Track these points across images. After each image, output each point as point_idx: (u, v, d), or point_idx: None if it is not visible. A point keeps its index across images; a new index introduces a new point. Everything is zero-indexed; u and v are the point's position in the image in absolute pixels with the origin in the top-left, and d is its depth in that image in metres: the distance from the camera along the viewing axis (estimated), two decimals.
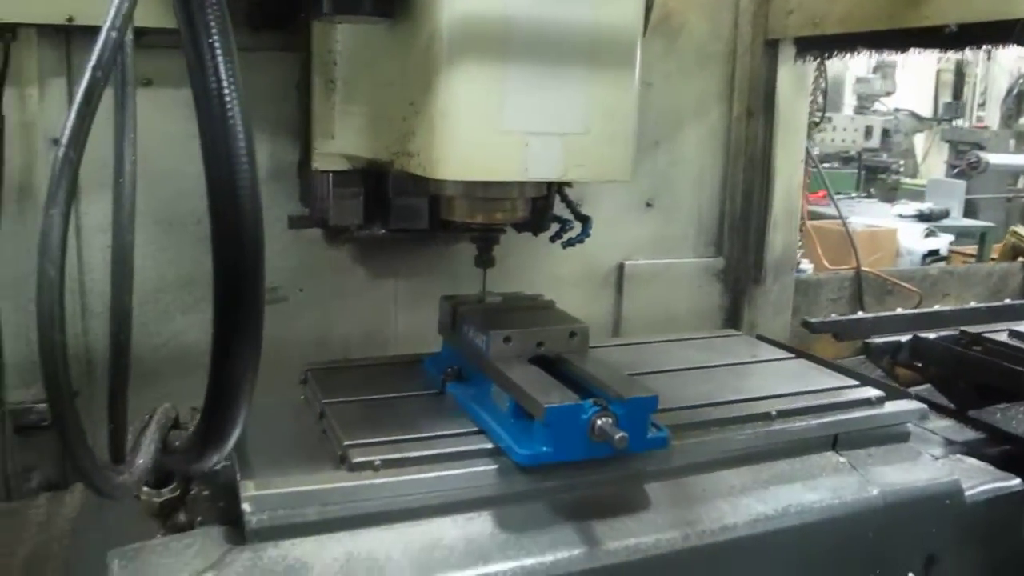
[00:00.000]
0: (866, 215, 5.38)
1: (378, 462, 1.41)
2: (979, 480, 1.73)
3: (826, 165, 7.43)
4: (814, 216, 3.97)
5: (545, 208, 1.99)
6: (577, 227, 2.08)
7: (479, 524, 1.42)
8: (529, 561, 1.37)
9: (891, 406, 1.82)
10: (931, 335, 2.32)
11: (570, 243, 2.07)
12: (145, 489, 1.39)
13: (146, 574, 1.27)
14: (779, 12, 2.45)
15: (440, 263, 2.30)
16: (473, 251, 1.83)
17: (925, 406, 1.86)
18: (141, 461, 1.26)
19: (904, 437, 1.81)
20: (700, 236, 2.62)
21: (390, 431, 1.52)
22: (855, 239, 3.25)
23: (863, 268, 3.10)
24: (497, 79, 1.45)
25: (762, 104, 2.53)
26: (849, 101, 7.88)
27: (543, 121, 1.49)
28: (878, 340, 2.34)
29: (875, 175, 7.71)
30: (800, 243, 2.96)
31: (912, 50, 2.95)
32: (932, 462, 1.77)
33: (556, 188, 1.98)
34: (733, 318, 2.64)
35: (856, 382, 1.90)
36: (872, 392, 1.83)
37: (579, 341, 1.69)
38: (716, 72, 2.54)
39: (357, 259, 2.26)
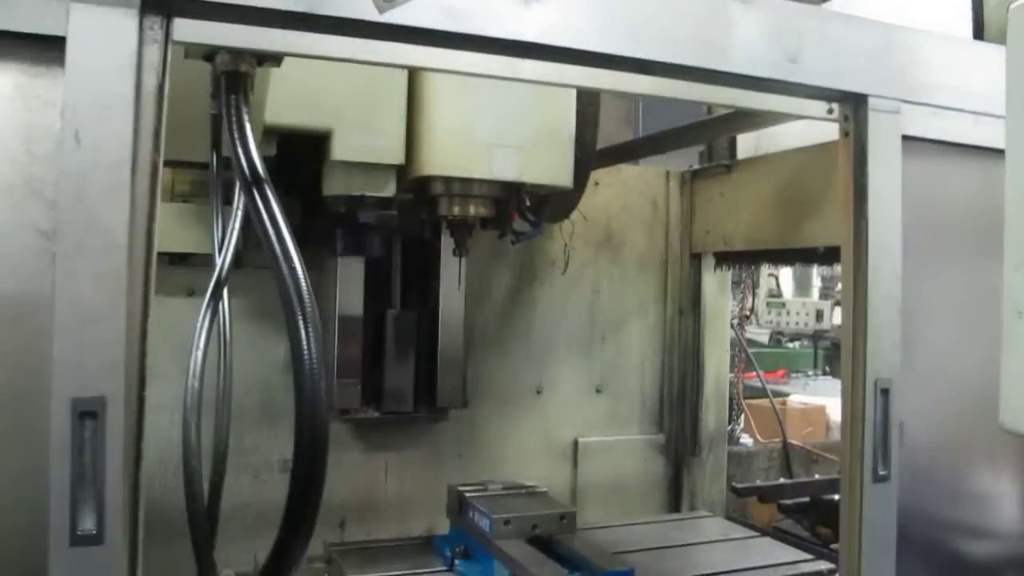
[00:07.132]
0: (819, 392, 5.95)
1: None
2: None
3: (793, 344, 8.20)
4: (777, 394, 4.49)
5: (507, 211, 2.25)
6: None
7: None
8: None
9: None
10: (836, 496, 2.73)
11: (520, 238, 2.43)
12: None
13: None
14: (699, 232, 3.01)
15: (423, 439, 2.63)
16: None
17: None
18: None
19: None
20: (644, 415, 3.04)
21: None
22: (787, 415, 3.72)
23: (790, 441, 3.58)
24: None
25: (691, 304, 3.04)
26: (815, 283, 8.62)
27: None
28: (788, 501, 2.75)
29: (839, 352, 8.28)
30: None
31: (797, 264, 3.57)
32: None
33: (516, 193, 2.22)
34: (675, 486, 3.02)
35: (811, 556, 2.26)
36: (824, 565, 2.18)
37: (568, 523, 2.02)
38: (652, 279, 3.05)
39: (354, 435, 2.57)
